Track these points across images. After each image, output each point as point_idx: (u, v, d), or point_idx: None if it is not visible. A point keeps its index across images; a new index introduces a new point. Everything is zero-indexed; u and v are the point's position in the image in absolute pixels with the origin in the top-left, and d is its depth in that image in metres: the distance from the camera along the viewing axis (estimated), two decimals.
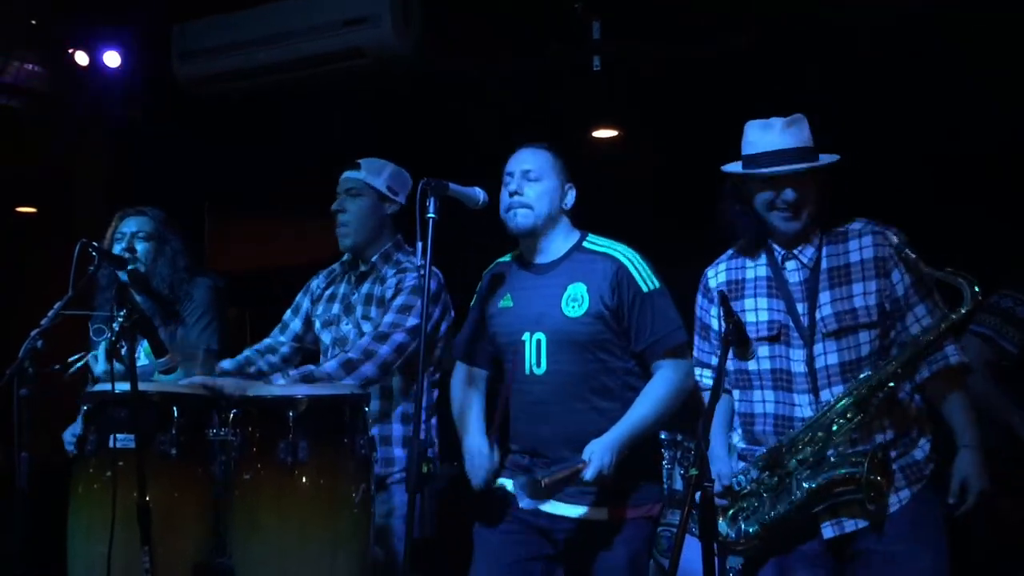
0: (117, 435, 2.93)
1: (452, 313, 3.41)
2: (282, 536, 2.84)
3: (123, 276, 3.55)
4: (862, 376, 2.73)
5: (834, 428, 2.73)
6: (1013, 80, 4.11)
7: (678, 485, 4.27)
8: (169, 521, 2.89)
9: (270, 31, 4.80)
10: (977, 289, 2.66)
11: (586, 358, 2.91)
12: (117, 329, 2.81)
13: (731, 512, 2.84)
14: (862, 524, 2.73)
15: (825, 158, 2.81)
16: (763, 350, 2.85)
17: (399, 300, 3.25)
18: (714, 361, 2.95)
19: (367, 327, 3.31)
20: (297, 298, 3.62)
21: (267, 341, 3.57)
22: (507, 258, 3.17)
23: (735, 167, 2.87)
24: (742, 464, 2.90)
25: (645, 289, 2.92)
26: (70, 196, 5.91)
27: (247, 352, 3.53)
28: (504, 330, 3.05)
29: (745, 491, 2.83)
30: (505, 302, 3.06)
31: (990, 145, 4.46)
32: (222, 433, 2.98)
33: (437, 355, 3.38)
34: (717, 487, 2.76)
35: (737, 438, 2.97)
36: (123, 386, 2.84)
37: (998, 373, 3.60)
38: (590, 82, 4.72)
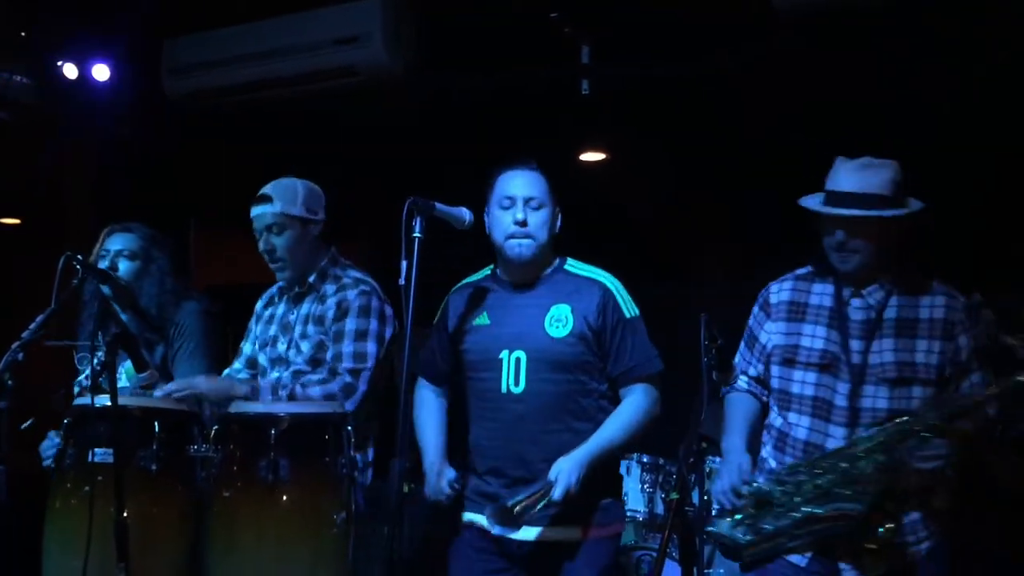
0: (96, 450, 2.92)
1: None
2: (260, 555, 2.83)
3: (106, 290, 3.53)
4: (899, 420, 2.70)
5: (859, 464, 2.70)
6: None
7: (659, 509, 4.28)
8: (147, 537, 2.87)
9: (261, 48, 4.81)
10: None
11: (566, 378, 2.92)
12: (100, 356, 2.80)
13: (738, 516, 2.80)
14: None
15: (894, 211, 2.72)
16: (810, 376, 2.86)
17: (351, 325, 3.20)
18: (751, 371, 3.00)
19: (305, 346, 3.26)
20: (249, 324, 3.57)
21: (227, 371, 3.51)
22: (477, 276, 3.14)
23: (812, 200, 2.84)
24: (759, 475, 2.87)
25: (627, 315, 2.96)
26: (57, 209, 5.88)
27: None
28: (478, 347, 3.02)
29: (756, 497, 2.79)
30: (481, 320, 3.04)
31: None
32: (203, 449, 2.97)
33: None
34: (726, 484, 2.77)
35: (767, 453, 2.97)
36: (103, 400, 2.81)
37: None
38: (578, 105, 4.74)
